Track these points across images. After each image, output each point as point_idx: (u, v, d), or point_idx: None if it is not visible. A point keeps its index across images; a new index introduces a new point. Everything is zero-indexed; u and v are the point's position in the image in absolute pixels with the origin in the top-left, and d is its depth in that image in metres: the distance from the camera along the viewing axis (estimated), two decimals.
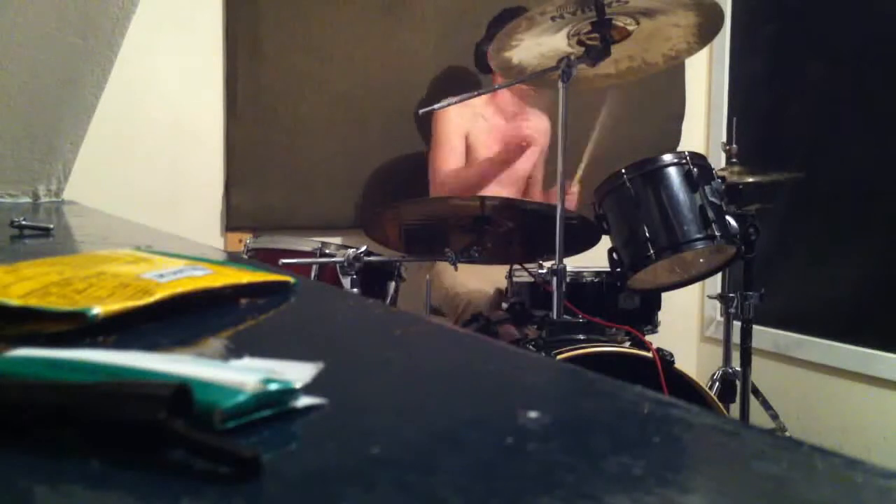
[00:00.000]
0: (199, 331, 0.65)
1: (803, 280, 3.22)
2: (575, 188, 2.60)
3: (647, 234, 2.02)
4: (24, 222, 1.29)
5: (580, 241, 2.21)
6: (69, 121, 1.91)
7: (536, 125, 2.90)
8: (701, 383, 2.13)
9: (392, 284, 2.31)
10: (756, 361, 2.55)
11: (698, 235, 2.02)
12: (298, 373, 0.46)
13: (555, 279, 1.94)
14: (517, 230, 2.23)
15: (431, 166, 2.88)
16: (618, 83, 2.33)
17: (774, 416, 2.58)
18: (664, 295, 2.38)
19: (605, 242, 2.16)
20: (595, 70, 2.03)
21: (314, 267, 2.19)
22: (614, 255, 2.10)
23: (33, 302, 0.60)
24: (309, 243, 2.25)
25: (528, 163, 2.89)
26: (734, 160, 2.49)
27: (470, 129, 2.85)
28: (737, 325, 2.58)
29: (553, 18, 1.97)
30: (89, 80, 1.87)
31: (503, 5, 2.80)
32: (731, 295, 2.55)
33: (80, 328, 0.58)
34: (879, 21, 3.02)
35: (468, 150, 2.85)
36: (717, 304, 2.73)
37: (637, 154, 2.23)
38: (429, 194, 2.87)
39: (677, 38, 2.13)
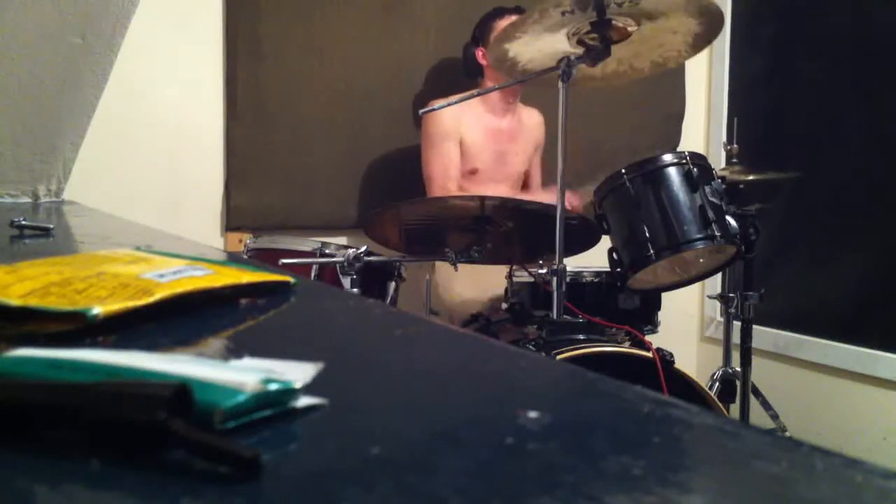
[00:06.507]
0: (199, 331, 0.65)
1: (803, 280, 3.22)
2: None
3: (647, 234, 2.02)
4: (24, 222, 1.29)
5: (580, 241, 2.21)
6: (69, 121, 1.91)
7: (528, 120, 2.89)
8: (701, 383, 2.13)
9: (392, 284, 2.31)
10: (756, 361, 2.54)
11: (698, 235, 2.02)
12: (298, 373, 0.46)
13: (555, 279, 1.94)
14: (517, 230, 2.23)
15: (426, 175, 2.80)
16: (602, 87, 2.32)
17: (774, 417, 2.58)
18: (664, 295, 2.38)
19: (605, 242, 2.16)
20: (581, 72, 2.02)
21: (314, 267, 2.19)
22: (614, 255, 2.10)
23: (33, 302, 0.60)
24: (309, 243, 2.25)
25: (523, 157, 2.88)
26: (734, 160, 2.49)
27: (464, 133, 2.76)
28: (737, 325, 2.57)
29: (563, 13, 1.95)
30: (89, 80, 1.87)
31: (501, 5, 2.80)
32: (731, 295, 2.55)
33: (80, 328, 0.58)
34: (879, 21, 3.01)
35: (463, 154, 2.77)
36: (717, 304, 2.72)
37: (637, 154, 2.23)
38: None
39: (670, 44, 2.12)
